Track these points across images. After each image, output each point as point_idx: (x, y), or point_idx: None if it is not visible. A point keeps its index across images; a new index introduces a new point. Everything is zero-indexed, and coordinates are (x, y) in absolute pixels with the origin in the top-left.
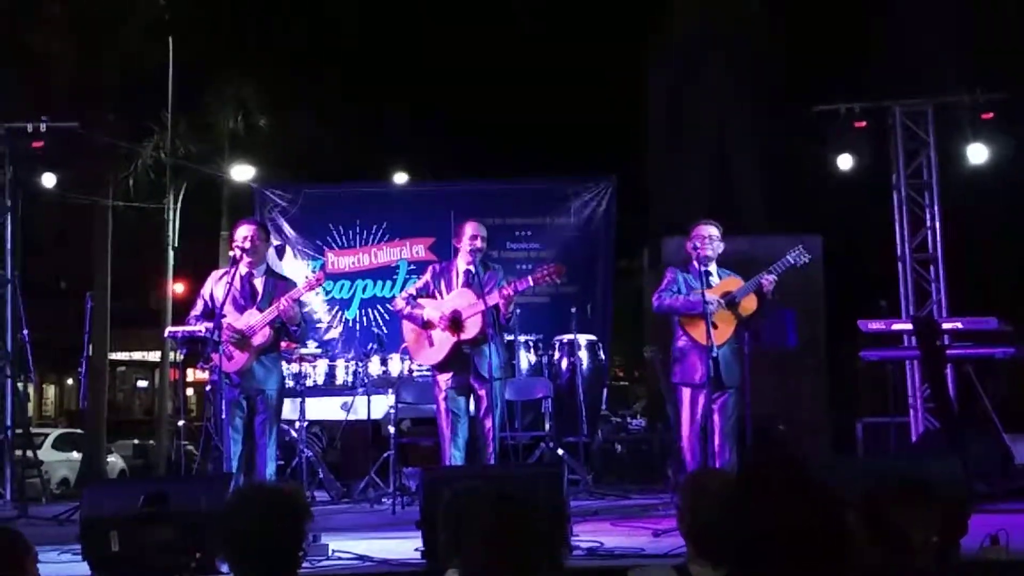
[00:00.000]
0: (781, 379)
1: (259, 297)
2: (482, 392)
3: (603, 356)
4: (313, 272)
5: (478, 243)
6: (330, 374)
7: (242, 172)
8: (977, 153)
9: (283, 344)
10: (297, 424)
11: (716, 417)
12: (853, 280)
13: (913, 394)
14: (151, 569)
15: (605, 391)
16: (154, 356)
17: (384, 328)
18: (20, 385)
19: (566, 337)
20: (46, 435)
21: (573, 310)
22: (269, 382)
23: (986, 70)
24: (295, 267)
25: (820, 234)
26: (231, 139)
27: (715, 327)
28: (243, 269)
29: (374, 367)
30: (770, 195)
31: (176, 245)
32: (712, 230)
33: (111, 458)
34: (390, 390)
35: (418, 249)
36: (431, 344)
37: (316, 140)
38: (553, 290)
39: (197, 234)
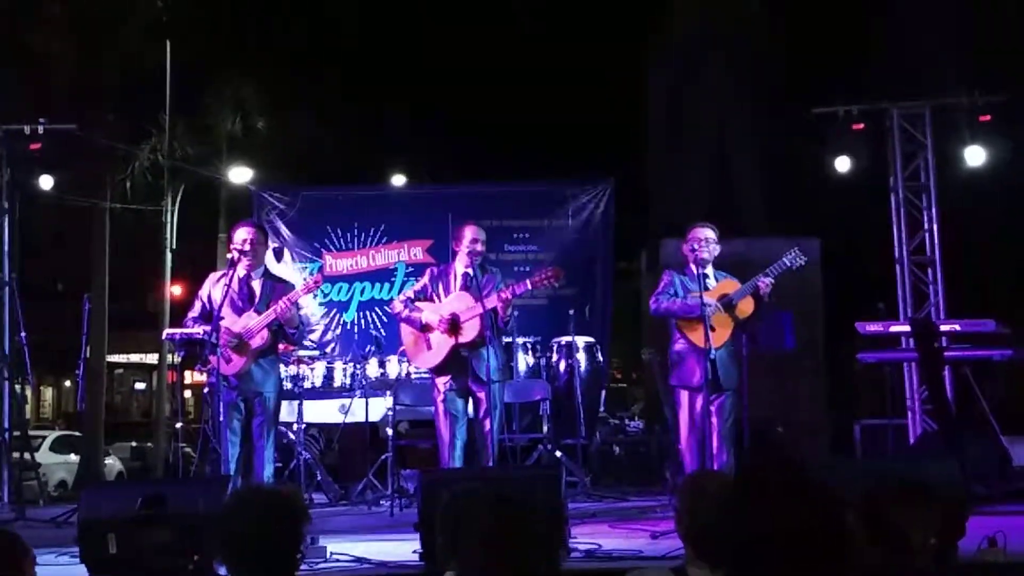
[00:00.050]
0: (779, 381)
1: (257, 299)
2: (481, 395)
3: (601, 358)
4: (311, 275)
5: (478, 247)
6: (328, 376)
7: (240, 174)
8: (975, 155)
9: (281, 346)
10: (295, 426)
11: (714, 419)
12: (851, 282)
13: (911, 396)
14: (149, 571)
15: (603, 393)
16: (152, 358)
17: (382, 330)
18: (18, 387)
19: (564, 339)
20: (44, 437)
21: (571, 312)
22: (267, 384)
23: (984, 72)
24: (288, 271)
25: (818, 236)
26: (229, 141)
27: (712, 330)
28: (241, 271)
29: (372, 369)
30: (769, 196)
31: (174, 247)
32: (709, 232)
33: (109, 460)
34: (388, 392)
35: (416, 251)
36: (429, 347)
37: (315, 141)
38: (551, 292)
39: (195, 236)
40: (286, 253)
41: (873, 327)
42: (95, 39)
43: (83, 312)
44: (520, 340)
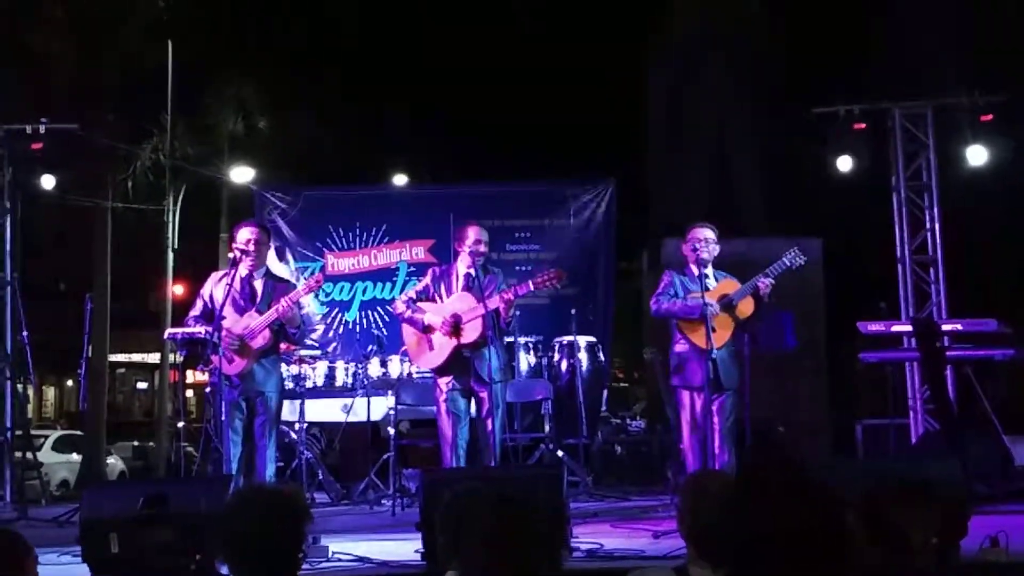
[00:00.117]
0: (780, 381)
1: (258, 299)
2: (483, 394)
3: (603, 358)
4: (312, 275)
5: (481, 247)
6: (330, 376)
7: (242, 174)
8: (976, 155)
9: (283, 346)
10: (297, 426)
11: (715, 419)
12: (853, 282)
13: (913, 396)
14: (151, 571)
15: (605, 393)
16: (154, 358)
17: (384, 330)
18: (20, 387)
19: (566, 339)
20: (46, 437)
21: (573, 312)
22: (269, 384)
23: (985, 72)
24: (285, 271)
25: (820, 236)
26: (230, 141)
27: (713, 330)
28: (243, 271)
29: (374, 369)
30: (770, 196)
31: (176, 247)
32: (708, 233)
33: (111, 460)
34: (390, 392)
35: (418, 251)
36: (431, 348)
37: (316, 141)
38: (553, 292)
39: (197, 236)
40: (288, 253)
41: (875, 327)
42: (96, 39)
43: (85, 311)
44: (522, 340)
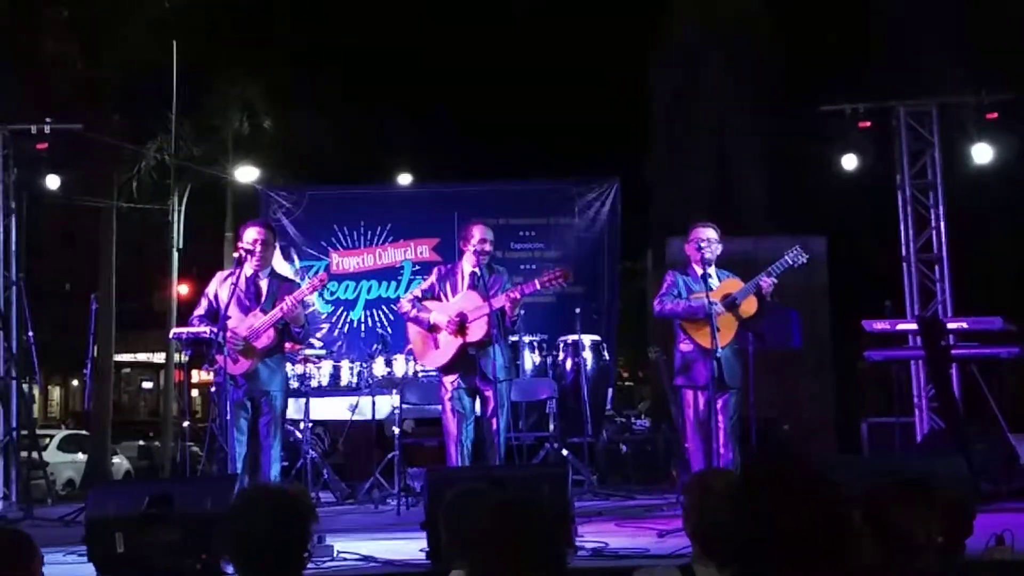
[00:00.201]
0: (784, 379)
1: (263, 298)
2: (488, 393)
3: (608, 356)
4: (317, 274)
5: (486, 246)
6: (335, 375)
7: (246, 174)
8: (982, 153)
9: (288, 345)
10: (302, 425)
11: (719, 417)
12: (858, 280)
13: (918, 394)
14: (156, 570)
15: (610, 391)
16: (159, 358)
17: (389, 329)
18: (25, 386)
19: (571, 338)
20: (51, 436)
21: (578, 310)
22: (273, 383)
23: (990, 70)
24: (285, 270)
25: (824, 234)
26: (235, 140)
27: (717, 330)
28: (248, 270)
29: (378, 368)
30: (773, 195)
31: (180, 247)
32: (711, 232)
33: (116, 459)
34: (394, 391)
35: (422, 250)
36: (436, 347)
37: (319, 141)
38: (558, 290)
39: (202, 236)
40: (293, 253)
41: (880, 325)
42: (99, 39)
43: (90, 311)
44: (527, 338)
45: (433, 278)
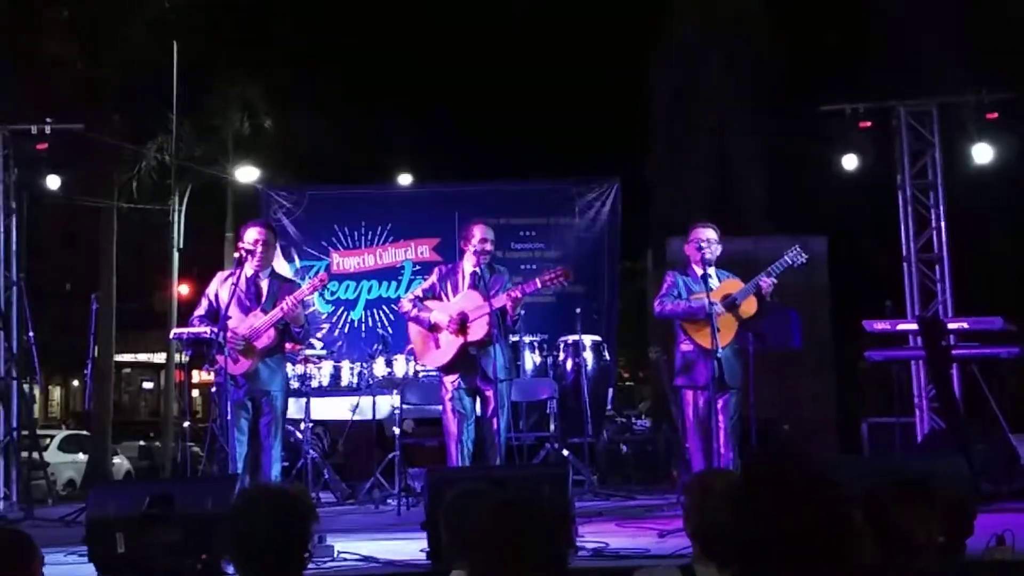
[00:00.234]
0: (784, 380)
1: (264, 298)
2: (489, 393)
3: (608, 356)
4: (317, 274)
5: (487, 246)
6: (335, 375)
7: (247, 174)
8: (982, 153)
9: (288, 345)
10: (302, 424)
11: (719, 417)
12: (858, 280)
13: (919, 394)
14: (157, 570)
15: (610, 391)
16: (159, 358)
17: (389, 329)
18: (26, 387)
19: (571, 338)
20: (52, 437)
21: (578, 310)
22: (274, 384)
23: (990, 70)
24: (285, 270)
25: (825, 234)
26: (235, 140)
27: (717, 330)
28: (249, 270)
29: (379, 368)
30: (773, 195)
31: (181, 247)
32: (711, 232)
33: (117, 459)
34: (395, 391)
35: (423, 250)
36: (437, 346)
37: (319, 141)
38: (559, 290)
39: (202, 236)
40: (294, 253)
41: (880, 325)
42: (99, 40)
43: (91, 312)
44: (527, 338)
45: (434, 278)
